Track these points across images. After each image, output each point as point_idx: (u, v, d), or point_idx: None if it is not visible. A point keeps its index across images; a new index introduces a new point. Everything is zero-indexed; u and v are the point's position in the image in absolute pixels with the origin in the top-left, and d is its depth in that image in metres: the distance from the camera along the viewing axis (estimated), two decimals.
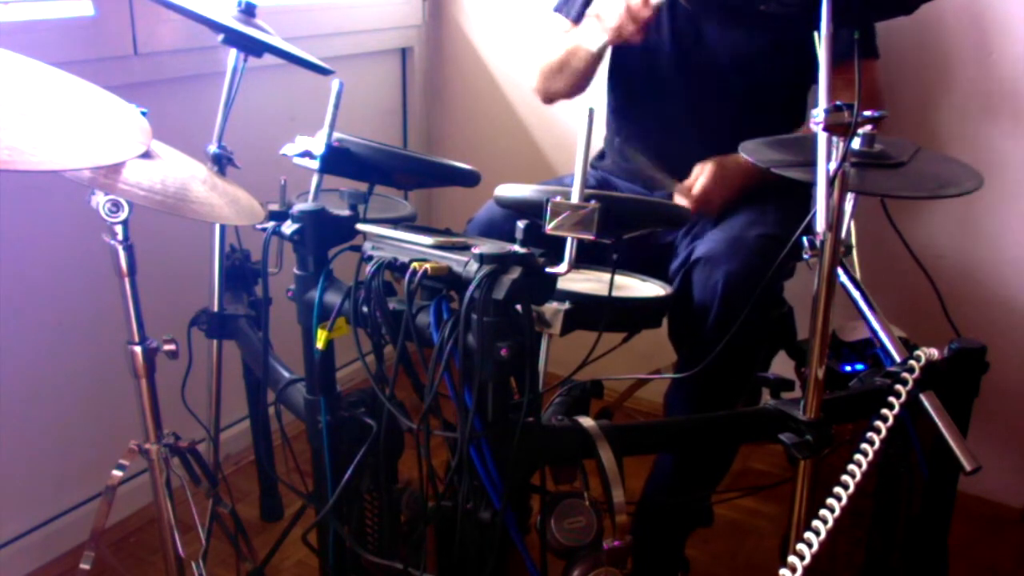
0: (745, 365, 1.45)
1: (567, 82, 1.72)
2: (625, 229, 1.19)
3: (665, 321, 1.52)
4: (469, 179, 1.43)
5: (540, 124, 2.37)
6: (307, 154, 1.33)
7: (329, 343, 1.21)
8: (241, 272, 1.69)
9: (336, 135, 1.34)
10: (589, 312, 1.29)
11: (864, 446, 1.10)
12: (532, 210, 1.12)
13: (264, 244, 1.27)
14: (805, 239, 1.10)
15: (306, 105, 1.58)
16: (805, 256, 1.10)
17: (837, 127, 1.03)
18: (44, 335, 1.70)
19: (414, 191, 2.25)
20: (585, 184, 1.08)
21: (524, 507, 1.25)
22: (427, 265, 1.06)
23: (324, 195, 1.41)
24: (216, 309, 1.61)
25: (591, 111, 1.08)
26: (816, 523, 1.05)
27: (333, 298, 1.19)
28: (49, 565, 1.76)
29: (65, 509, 1.80)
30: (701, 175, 1.58)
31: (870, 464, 1.09)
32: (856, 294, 1.29)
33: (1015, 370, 1.86)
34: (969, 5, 1.81)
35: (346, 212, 1.25)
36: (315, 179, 1.40)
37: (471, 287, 1.00)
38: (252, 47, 1.51)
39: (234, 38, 1.48)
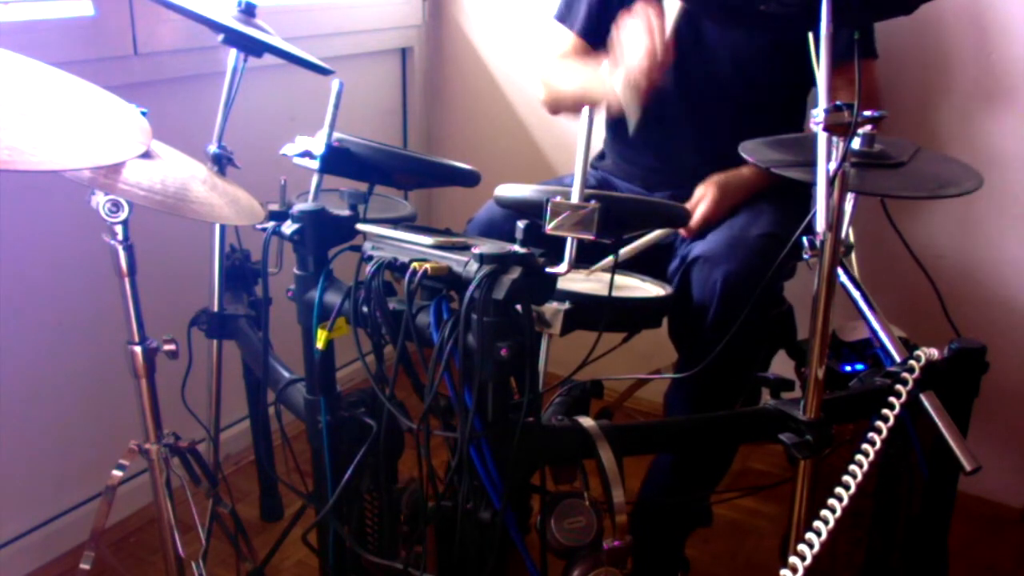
0: (745, 365, 1.45)
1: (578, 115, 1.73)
2: (625, 229, 1.19)
3: (665, 321, 1.52)
4: (469, 179, 1.43)
5: (540, 124, 2.37)
6: (307, 154, 1.33)
7: (329, 343, 1.21)
8: (241, 272, 1.69)
9: (336, 135, 1.34)
10: (589, 312, 1.29)
11: (864, 446, 1.10)
12: (532, 210, 1.12)
13: (264, 244, 1.27)
14: (805, 239, 1.10)
15: (306, 105, 1.58)
16: (805, 256, 1.10)
17: (837, 127, 1.03)
18: (44, 335, 1.70)
19: (414, 191, 2.25)
20: (585, 184, 1.08)
21: (524, 507, 1.25)
22: (427, 265, 1.06)
23: (324, 195, 1.41)
24: (216, 309, 1.61)
25: (591, 111, 1.08)
26: (817, 523, 1.05)
27: (333, 298, 1.19)
28: (49, 565, 1.76)
29: (65, 509, 1.80)
30: (702, 202, 1.58)
31: (870, 464, 1.09)
32: (856, 294, 1.29)
33: (1015, 370, 1.86)
34: (969, 5, 1.81)
35: (346, 212, 1.25)
36: (315, 179, 1.40)
37: (471, 287, 1.00)
38: (252, 47, 1.51)
39: (234, 38, 1.48)
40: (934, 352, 1.21)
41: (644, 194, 1.75)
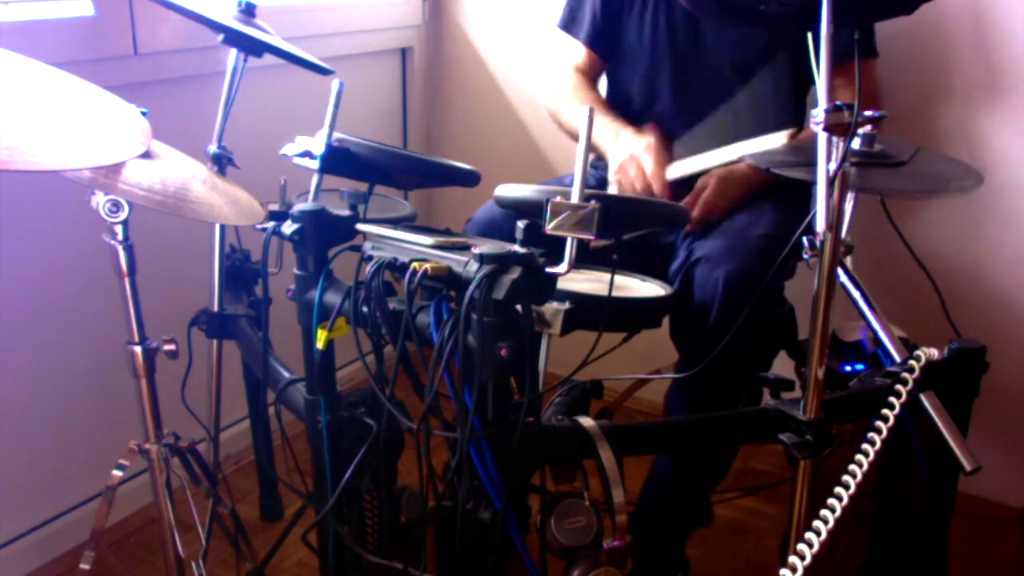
0: (745, 365, 1.45)
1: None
2: (625, 229, 1.19)
3: (666, 321, 1.52)
4: (469, 179, 1.43)
5: (540, 124, 2.36)
6: (307, 154, 1.33)
7: (329, 343, 1.21)
8: (241, 272, 1.69)
9: (336, 135, 1.33)
10: (589, 312, 1.29)
11: (864, 446, 1.10)
12: (532, 210, 1.12)
13: (264, 244, 1.27)
14: (805, 239, 1.10)
15: (306, 105, 1.58)
16: (805, 256, 1.10)
17: (837, 127, 1.03)
18: (44, 335, 1.70)
19: (414, 191, 2.25)
20: (585, 184, 1.08)
21: (524, 507, 1.25)
22: (427, 265, 1.06)
23: (324, 195, 1.41)
24: (216, 309, 1.61)
25: (591, 111, 1.08)
26: (816, 523, 1.05)
27: (333, 298, 1.19)
28: (49, 565, 1.76)
29: (65, 509, 1.80)
30: (704, 191, 1.58)
31: (870, 464, 1.09)
32: (856, 294, 1.29)
33: (1015, 370, 1.86)
34: (969, 5, 1.81)
35: (346, 212, 1.25)
36: (315, 179, 1.40)
37: (471, 287, 1.00)
38: (252, 47, 1.51)
39: (234, 38, 1.48)
40: (934, 352, 1.21)
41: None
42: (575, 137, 1.75)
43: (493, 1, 2.39)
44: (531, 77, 2.35)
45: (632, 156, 1.57)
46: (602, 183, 1.81)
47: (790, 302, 1.65)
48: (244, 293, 1.69)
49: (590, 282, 1.46)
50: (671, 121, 1.71)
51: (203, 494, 1.39)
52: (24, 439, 1.70)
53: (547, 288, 1.09)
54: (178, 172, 1.16)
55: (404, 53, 2.47)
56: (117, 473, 1.28)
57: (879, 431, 1.12)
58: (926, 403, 1.19)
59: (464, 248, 1.09)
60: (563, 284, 1.15)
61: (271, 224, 1.25)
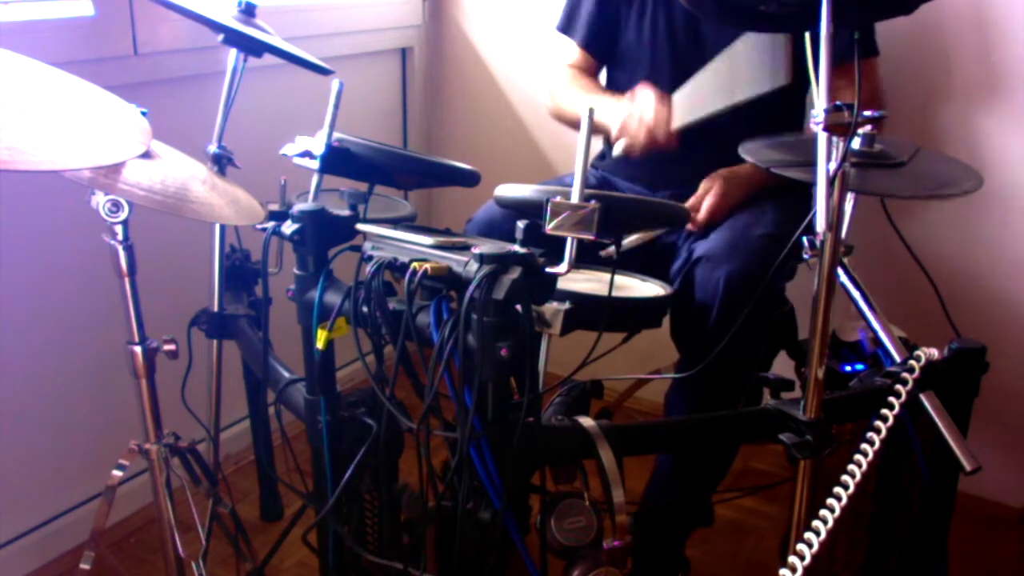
0: (746, 365, 1.45)
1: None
2: (625, 229, 1.19)
3: (667, 321, 1.52)
4: (469, 179, 1.43)
5: (540, 124, 2.37)
6: (307, 154, 1.33)
7: (329, 343, 1.21)
8: (241, 272, 1.69)
9: (336, 135, 1.33)
10: (589, 312, 1.29)
11: (864, 446, 1.10)
12: (532, 210, 1.12)
13: (264, 244, 1.27)
14: (805, 239, 1.10)
15: (306, 105, 1.58)
16: (805, 256, 1.10)
17: (837, 127, 1.03)
18: (44, 335, 1.70)
19: (414, 191, 2.25)
20: (585, 184, 1.08)
21: (524, 507, 1.25)
22: (427, 265, 1.06)
23: (324, 195, 1.41)
24: (216, 309, 1.61)
25: (591, 111, 1.08)
26: (816, 523, 1.05)
27: (333, 298, 1.19)
28: (49, 565, 1.76)
29: (65, 509, 1.80)
30: (708, 194, 1.59)
31: (870, 464, 1.09)
32: (856, 294, 1.29)
33: (1015, 370, 1.86)
34: (969, 5, 1.81)
35: (346, 212, 1.25)
36: (315, 179, 1.40)
37: (471, 287, 1.00)
38: (252, 47, 1.51)
39: (234, 38, 1.48)
40: (934, 352, 1.21)
41: (645, 193, 1.75)
42: (577, 126, 1.75)
43: (493, 1, 2.39)
44: (531, 77, 2.35)
45: (635, 105, 1.58)
46: (602, 183, 1.81)
47: (790, 302, 1.65)
48: (244, 293, 1.69)
49: (590, 282, 1.46)
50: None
51: (203, 494, 1.39)
52: (24, 439, 1.70)
53: (547, 288, 1.09)
54: (178, 172, 1.16)
55: (404, 53, 2.47)
56: (117, 473, 1.28)
57: (879, 431, 1.12)
58: (926, 403, 1.19)
59: (464, 248, 1.09)
60: (563, 284, 1.15)
61: (271, 224, 1.25)
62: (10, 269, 1.61)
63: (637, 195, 1.73)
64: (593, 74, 1.85)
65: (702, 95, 1.56)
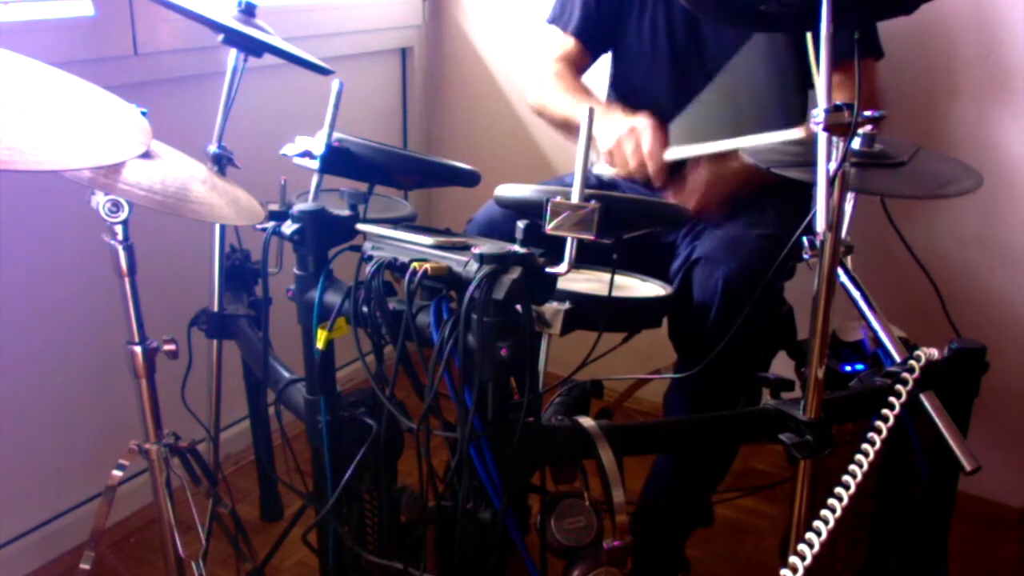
0: (745, 365, 1.45)
1: (565, 134, 1.75)
2: (625, 229, 1.19)
3: (665, 321, 1.52)
4: (469, 179, 1.43)
5: (540, 124, 2.34)
6: (307, 154, 1.33)
7: (329, 343, 1.21)
8: (241, 272, 1.69)
9: (336, 135, 1.33)
10: (589, 312, 1.29)
11: (864, 446, 1.10)
12: (532, 210, 1.12)
13: (264, 244, 1.27)
14: (805, 239, 1.09)
15: (306, 105, 1.58)
16: (805, 256, 1.10)
17: (837, 127, 1.03)
18: (44, 335, 1.70)
19: (414, 191, 2.25)
20: (585, 184, 1.08)
21: (524, 507, 1.25)
22: (427, 265, 1.06)
23: (324, 195, 1.41)
24: (216, 309, 1.61)
25: (591, 111, 1.08)
26: (816, 523, 1.05)
27: (333, 298, 1.19)
28: (49, 565, 1.76)
29: (65, 509, 1.80)
30: (695, 189, 1.56)
31: (870, 464, 1.09)
32: (856, 294, 1.29)
33: (1015, 370, 1.86)
34: (970, 5, 1.81)
35: (346, 212, 1.25)
36: (315, 179, 1.40)
37: (471, 287, 1.00)
38: (252, 47, 1.51)
39: (234, 38, 1.48)
40: (934, 352, 1.21)
41: (646, 193, 1.75)
42: (562, 126, 1.74)
43: (493, 1, 2.39)
44: (526, 78, 2.34)
45: (632, 130, 1.53)
46: (603, 183, 1.81)
47: (789, 302, 1.65)
48: (244, 293, 1.69)
49: (590, 282, 1.46)
50: (672, 119, 1.70)
51: (203, 494, 1.39)
52: (24, 439, 1.70)
53: (547, 288, 1.09)
54: (178, 172, 1.16)
55: (404, 53, 2.47)
56: (117, 473, 1.28)
57: (879, 431, 1.12)
58: (926, 403, 1.19)
59: (464, 248, 1.09)
60: (563, 284, 1.15)
61: (271, 224, 1.25)
62: (10, 269, 1.61)
63: (637, 195, 1.73)
64: (581, 70, 1.81)
65: (701, 130, 1.52)
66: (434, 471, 1.12)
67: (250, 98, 1.61)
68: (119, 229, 1.12)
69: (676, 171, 1.60)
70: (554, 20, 1.81)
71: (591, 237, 1.08)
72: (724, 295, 1.42)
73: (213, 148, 1.55)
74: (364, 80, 2.38)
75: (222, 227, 1.59)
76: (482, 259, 1.01)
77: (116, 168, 1.06)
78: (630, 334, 1.45)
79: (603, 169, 1.61)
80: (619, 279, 1.53)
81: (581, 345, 1.24)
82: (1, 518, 1.70)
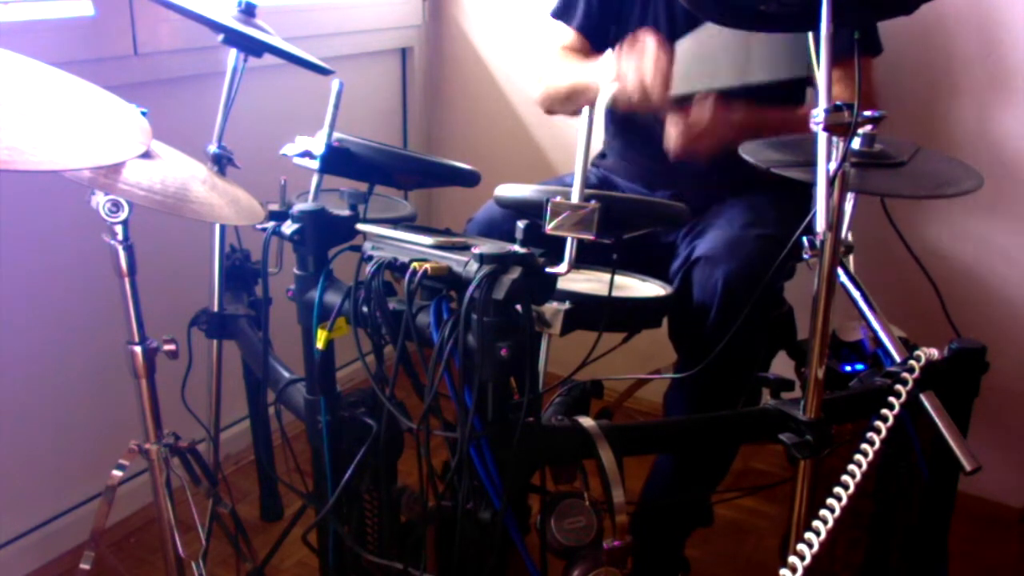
0: (745, 365, 1.45)
1: (573, 109, 1.71)
2: (625, 229, 1.19)
3: (665, 321, 1.52)
4: (469, 179, 1.43)
5: (540, 124, 2.37)
6: (307, 154, 1.33)
7: (329, 343, 1.21)
8: (241, 272, 1.69)
9: (336, 135, 1.34)
10: (589, 312, 1.29)
11: (864, 446, 1.10)
12: (532, 210, 1.12)
13: (264, 244, 1.27)
14: (805, 239, 1.09)
15: (306, 105, 1.58)
16: (805, 256, 1.10)
17: (837, 127, 1.03)
18: (44, 335, 1.70)
19: (414, 191, 2.26)
20: (585, 183, 1.08)
21: (524, 507, 1.25)
22: (427, 265, 1.06)
23: (324, 195, 1.41)
24: (216, 309, 1.61)
25: (591, 110, 1.08)
26: (816, 523, 1.05)
27: (333, 298, 1.19)
28: (49, 565, 1.76)
29: (65, 509, 1.80)
30: (696, 123, 1.51)
31: (870, 464, 1.09)
32: (856, 294, 1.29)
33: (1015, 370, 1.86)
34: (970, 5, 1.81)
35: (346, 212, 1.25)
36: (315, 179, 1.40)
37: (471, 287, 1.00)
38: (252, 47, 1.51)
39: (234, 38, 1.48)
40: (934, 352, 1.21)
41: (646, 193, 1.75)
42: (569, 99, 1.71)
43: (493, 1, 2.39)
44: (529, 76, 2.35)
45: (630, 61, 1.48)
46: (603, 182, 1.81)
47: (789, 302, 1.65)
48: (244, 293, 1.69)
49: (590, 282, 1.46)
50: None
51: (203, 494, 1.39)
52: (24, 439, 1.70)
53: (547, 288, 1.09)
54: (178, 172, 1.16)
55: (404, 53, 2.47)
56: (117, 473, 1.28)
57: (879, 431, 1.12)
58: (926, 403, 1.19)
59: (464, 248, 1.09)
60: (563, 284, 1.15)
61: (271, 224, 1.25)
62: (10, 269, 1.61)
63: (637, 195, 1.73)
64: (586, 57, 1.77)
65: (709, 66, 1.46)
66: (434, 471, 1.12)
67: (250, 98, 1.61)
68: (119, 229, 1.12)
69: (690, 177, 1.59)
70: (558, 15, 1.81)
71: (591, 237, 1.08)
72: (724, 295, 1.42)
73: (213, 148, 1.55)
74: (364, 80, 2.38)
75: (222, 227, 1.59)
76: (482, 259, 1.01)
77: (116, 168, 1.06)
78: (630, 334, 1.45)
79: (606, 99, 1.52)
80: (619, 279, 1.53)
81: (581, 345, 1.24)
82: (1, 518, 1.70)
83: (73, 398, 1.76)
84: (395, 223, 1.37)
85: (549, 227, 1.08)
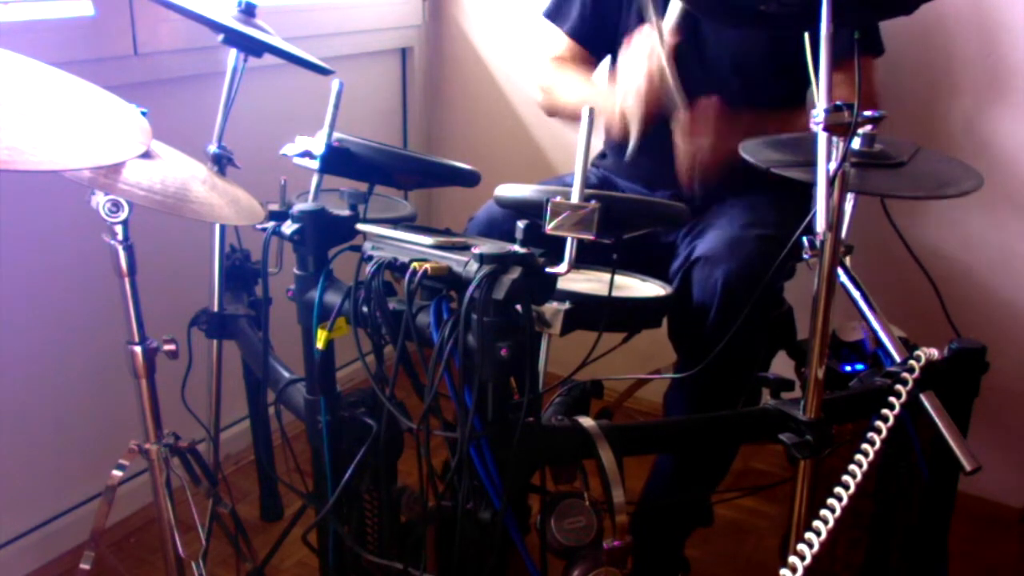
0: (745, 365, 1.45)
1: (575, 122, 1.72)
2: (625, 229, 1.19)
3: (665, 321, 1.52)
4: (469, 179, 1.43)
5: (540, 124, 2.37)
6: (307, 154, 1.33)
7: (329, 343, 1.21)
8: (241, 272, 1.69)
9: (336, 135, 1.34)
10: (589, 312, 1.29)
11: (864, 446, 1.10)
12: (532, 210, 1.12)
13: (264, 244, 1.27)
14: (805, 239, 1.10)
15: (306, 105, 1.58)
16: (805, 256, 1.10)
17: (837, 127, 1.03)
18: (44, 335, 1.70)
19: (414, 191, 2.25)
20: (585, 183, 1.08)
21: (524, 507, 1.25)
22: (427, 265, 1.06)
23: (324, 195, 1.41)
24: (216, 309, 1.61)
25: (591, 111, 1.08)
26: (816, 523, 1.05)
27: (333, 298, 1.19)
28: (49, 565, 1.76)
29: (65, 509, 1.80)
30: (707, 112, 1.54)
31: (870, 464, 1.09)
32: (856, 294, 1.29)
33: (1015, 370, 1.86)
34: (970, 5, 1.81)
35: (346, 212, 1.25)
36: (315, 179, 1.40)
37: (471, 287, 1.00)
38: (252, 47, 1.51)
39: (234, 38, 1.48)
40: (934, 352, 1.21)
41: (646, 193, 1.75)
42: (565, 114, 1.72)
43: (493, 1, 2.39)
44: (528, 78, 2.35)
45: (632, 44, 1.53)
46: (603, 182, 1.81)
47: (789, 302, 1.65)
48: (244, 293, 1.69)
49: (590, 282, 1.46)
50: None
51: (203, 494, 1.39)
52: (24, 439, 1.70)
53: (547, 288, 1.09)
54: (178, 172, 1.16)
55: (404, 53, 2.47)
56: (117, 473, 1.28)
57: (879, 431, 1.12)
58: (926, 403, 1.19)
59: (464, 248, 1.09)
60: (563, 284, 1.15)
61: (271, 224, 1.25)
62: (10, 269, 1.61)
63: (637, 195, 1.73)
64: (583, 65, 1.79)
65: None
66: (434, 471, 1.12)
67: (250, 98, 1.61)
68: (119, 229, 1.12)
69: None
70: (550, 16, 1.80)
71: (591, 237, 1.08)
72: (724, 295, 1.42)
73: (213, 148, 1.55)
74: (364, 80, 2.38)
75: (222, 227, 1.59)
76: (482, 259, 1.01)
77: (116, 168, 1.06)
78: (630, 334, 1.45)
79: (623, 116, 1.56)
80: (619, 279, 1.53)
81: (581, 345, 1.24)
82: (1, 518, 1.70)
83: (73, 398, 1.76)
84: (395, 223, 1.37)
85: (549, 227, 1.08)
